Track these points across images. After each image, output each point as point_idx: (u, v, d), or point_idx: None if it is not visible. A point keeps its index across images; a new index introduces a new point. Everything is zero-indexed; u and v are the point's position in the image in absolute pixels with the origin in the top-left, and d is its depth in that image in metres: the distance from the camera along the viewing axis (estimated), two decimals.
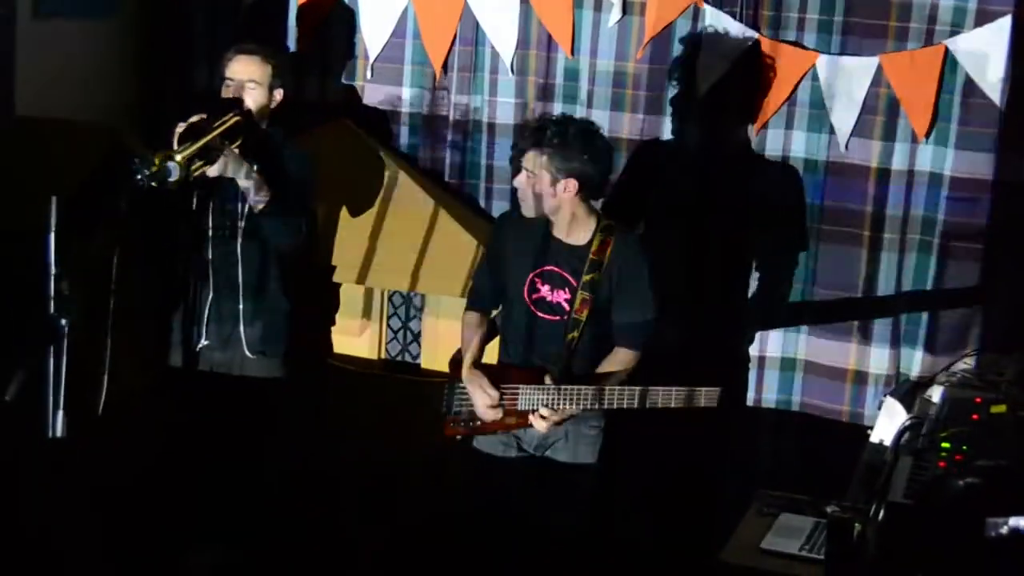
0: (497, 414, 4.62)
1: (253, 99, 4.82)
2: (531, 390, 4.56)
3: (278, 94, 4.91)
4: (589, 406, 4.52)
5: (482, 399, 4.61)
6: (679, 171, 5.43)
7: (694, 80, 5.36)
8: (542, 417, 4.51)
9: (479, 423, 4.66)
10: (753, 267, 5.45)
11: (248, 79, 4.82)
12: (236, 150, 4.63)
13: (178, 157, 4.20)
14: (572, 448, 4.69)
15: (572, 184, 4.51)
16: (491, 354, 4.81)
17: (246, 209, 4.76)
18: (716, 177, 5.38)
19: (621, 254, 4.58)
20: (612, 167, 4.79)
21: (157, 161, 4.13)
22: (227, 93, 4.82)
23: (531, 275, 4.62)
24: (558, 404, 4.51)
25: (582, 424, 4.65)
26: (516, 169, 4.60)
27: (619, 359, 4.64)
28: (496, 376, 4.65)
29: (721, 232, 5.40)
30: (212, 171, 4.54)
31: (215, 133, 4.50)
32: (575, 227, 4.59)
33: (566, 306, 4.58)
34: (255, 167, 4.65)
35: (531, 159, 4.51)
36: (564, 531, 4.70)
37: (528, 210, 4.58)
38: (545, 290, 4.61)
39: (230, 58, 4.87)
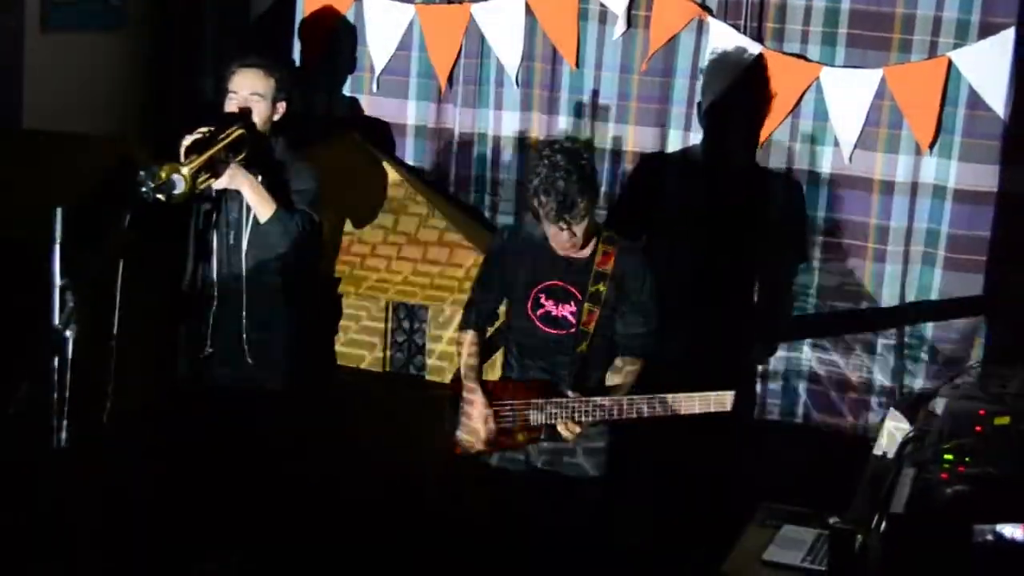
0: (478, 447, 4.64)
1: (257, 112, 4.84)
2: (543, 405, 4.56)
3: (281, 106, 4.93)
4: (606, 416, 4.53)
5: (479, 431, 4.63)
6: (683, 183, 5.45)
7: (698, 92, 5.38)
8: (568, 429, 4.51)
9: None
10: (756, 279, 5.45)
11: (251, 92, 4.84)
12: (241, 163, 4.66)
13: (184, 170, 4.24)
14: (580, 461, 4.68)
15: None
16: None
17: (250, 221, 4.77)
18: (720, 189, 5.40)
19: (624, 264, 4.58)
20: None
21: (163, 174, 4.18)
22: (230, 106, 4.85)
23: (534, 290, 4.62)
24: (577, 416, 4.51)
25: (589, 437, 4.66)
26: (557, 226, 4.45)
27: (625, 369, 4.64)
28: (504, 392, 4.65)
29: (724, 244, 5.41)
30: (218, 184, 4.58)
31: (220, 146, 4.53)
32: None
33: (572, 319, 4.58)
34: (259, 179, 4.68)
35: (586, 205, 4.39)
36: (569, 543, 4.70)
37: (573, 251, 4.53)
38: (550, 305, 4.61)
39: (233, 71, 4.89)
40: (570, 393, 4.53)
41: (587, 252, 4.58)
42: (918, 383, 5.28)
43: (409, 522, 5.30)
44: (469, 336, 4.75)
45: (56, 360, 3.46)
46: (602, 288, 4.55)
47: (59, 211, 3.54)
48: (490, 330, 4.87)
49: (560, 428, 4.52)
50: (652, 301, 4.61)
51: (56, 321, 3.46)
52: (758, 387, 5.49)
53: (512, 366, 4.75)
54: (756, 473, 5.42)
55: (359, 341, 5.47)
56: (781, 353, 5.47)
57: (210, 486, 4.93)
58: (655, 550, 5.38)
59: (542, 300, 4.60)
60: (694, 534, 5.24)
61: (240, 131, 4.69)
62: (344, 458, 5.30)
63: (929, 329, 5.28)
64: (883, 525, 3.38)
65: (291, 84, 5.06)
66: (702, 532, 5.12)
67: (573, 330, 4.57)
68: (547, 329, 4.60)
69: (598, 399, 4.51)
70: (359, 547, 5.27)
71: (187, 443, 4.96)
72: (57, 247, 3.52)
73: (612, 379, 4.63)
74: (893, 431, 4.44)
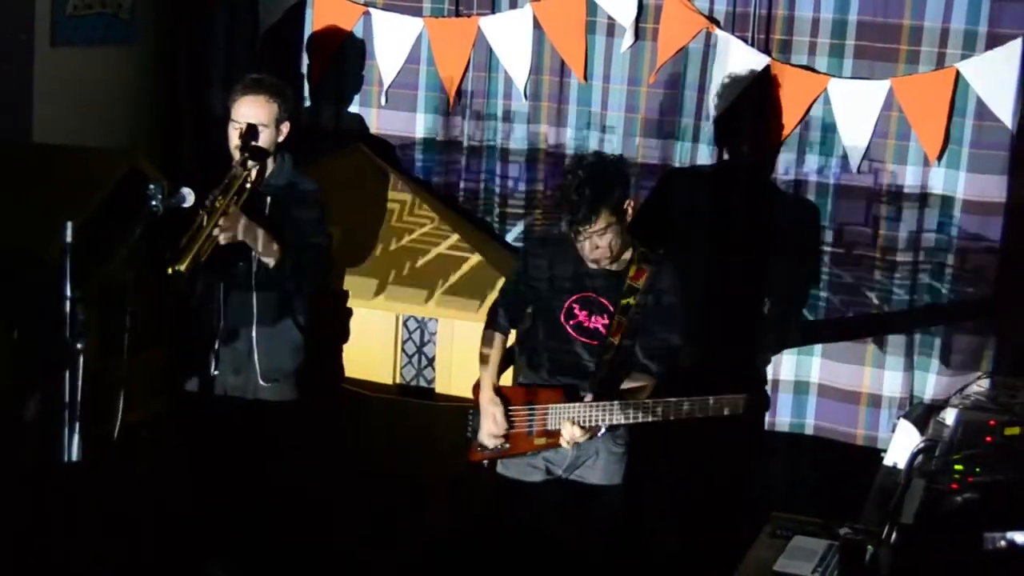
0: (496, 442, 4.65)
1: (261, 139, 4.80)
2: (562, 408, 4.58)
3: (285, 127, 4.89)
4: (620, 420, 4.54)
5: (489, 427, 4.65)
6: (691, 195, 5.45)
7: (706, 105, 5.38)
8: (573, 425, 4.52)
9: (507, 446, 4.68)
10: (765, 289, 5.45)
11: (255, 122, 4.80)
12: (247, 196, 4.66)
13: (182, 267, 4.32)
14: (601, 467, 4.70)
15: (630, 214, 4.56)
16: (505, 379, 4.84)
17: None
18: (727, 200, 5.40)
19: (657, 281, 4.60)
20: None
21: (169, 272, 4.28)
22: (233, 136, 4.80)
23: (569, 300, 4.63)
24: (590, 419, 4.53)
25: (610, 443, 4.67)
26: (578, 237, 4.45)
27: (641, 380, 4.64)
28: (524, 396, 4.68)
29: (733, 254, 5.41)
30: (224, 239, 4.59)
31: (212, 224, 4.52)
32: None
33: (603, 331, 4.60)
34: (265, 229, 4.70)
35: (604, 218, 4.41)
36: (588, 552, 4.71)
37: (606, 263, 4.54)
38: (583, 315, 4.62)
39: (235, 99, 4.84)
40: (588, 398, 4.55)
41: (622, 265, 4.60)
42: (928, 393, 5.27)
43: (423, 532, 5.31)
44: (494, 337, 4.78)
45: (67, 373, 3.48)
46: (632, 302, 4.57)
47: (69, 225, 3.56)
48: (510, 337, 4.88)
49: (563, 427, 4.55)
50: (679, 318, 4.63)
51: (67, 334, 3.47)
52: (769, 396, 5.48)
53: (534, 371, 4.75)
54: (767, 483, 5.42)
55: (369, 354, 5.47)
56: (791, 363, 5.47)
57: (219, 500, 4.94)
58: (665, 559, 5.39)
59: (575, 310, 4.62)
60: (704, 543, 5.25)
61: (244, 173, 4.68)
62: (355, 469, 5.31)
63: (938, 339, 5.28)
64: (893, 535, 3.38)
65: (295, 103, 5.04)
66: (712, 541, 5.14)
67: (603, 340, 4.59)
68: (579, 338, 4.62)
69: (613, 403, 4.53)
70: (370, 558, 5.28)
71: (197, 457, 4.98)
72: (68, 260, 3.53)
73: (628, 386, 4.64)
74: (903, 441, 4.45)
